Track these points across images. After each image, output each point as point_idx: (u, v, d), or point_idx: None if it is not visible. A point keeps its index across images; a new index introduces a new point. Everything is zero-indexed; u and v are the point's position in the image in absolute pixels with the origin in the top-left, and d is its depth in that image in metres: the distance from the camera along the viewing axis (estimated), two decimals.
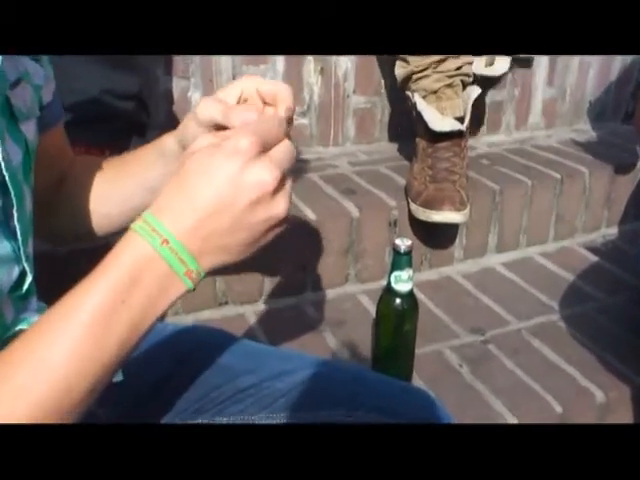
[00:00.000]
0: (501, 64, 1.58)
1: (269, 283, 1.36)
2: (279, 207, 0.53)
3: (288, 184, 0.54)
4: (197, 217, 0.50)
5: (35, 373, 0.47)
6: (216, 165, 0.51)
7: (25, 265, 0.60)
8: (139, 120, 1.41)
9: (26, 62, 0.62)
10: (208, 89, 1.62)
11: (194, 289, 0.52)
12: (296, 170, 1.59)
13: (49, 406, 0.47)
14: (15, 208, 0.57)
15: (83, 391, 0.48)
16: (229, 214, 0.51)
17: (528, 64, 1.88)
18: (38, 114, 0.65)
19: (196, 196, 0.51)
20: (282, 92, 0.62)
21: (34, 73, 0.64)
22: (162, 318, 0.53)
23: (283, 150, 0.54)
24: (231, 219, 0.51)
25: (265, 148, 0.53)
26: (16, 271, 0.59)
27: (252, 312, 1.34)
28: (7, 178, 0.55)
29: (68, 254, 1.13)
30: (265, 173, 0.51)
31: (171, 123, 1.60)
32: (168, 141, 0.70)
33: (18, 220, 0.58)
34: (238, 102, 0.64)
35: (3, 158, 0.55)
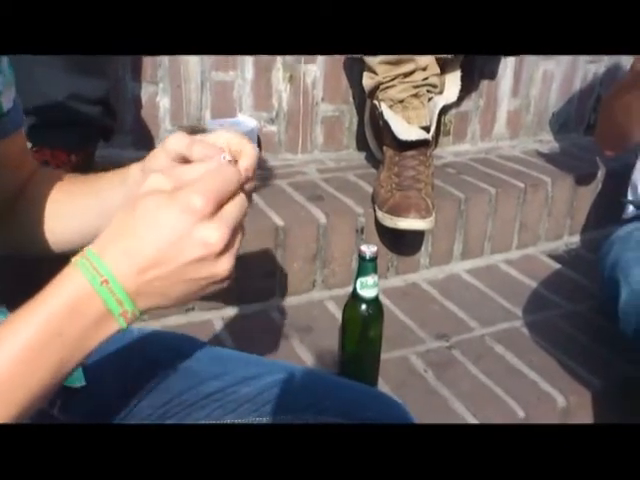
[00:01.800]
0: (451, 92, 1.60)
1: (236, 289, 1.36)
2: (222, 267, 0.53)
3: (237, 240, 0.54)
4: (140, 264, 0.51)
5: None
6: (166, 218, 0.51)
7: None
8: (105, 125, 1.41)
9: None
10: (176, 94, 1.62)
11: (126, 328, 0.53)
12: (264, 176, 1.59)
13: None
14: None
15: (10, 415, 0.49)
16: (172, 267, 0.51)
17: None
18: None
19: (142, 244, 0.51)
20: (247, 150, 0.62)
21: None
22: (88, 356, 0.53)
23: (235, 207, 0.54)
24: (173, 272, 0.51)
25: (219, 203, 0.52)
26: None
27: (219, 318, 1.34)
28: None
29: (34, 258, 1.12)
30: (213, 235, 0.51)
31: (139, 128, 1.60)
32: (132, 169, 0.70)
33: None
34: None
35: None
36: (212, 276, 0.53)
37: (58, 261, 0.55)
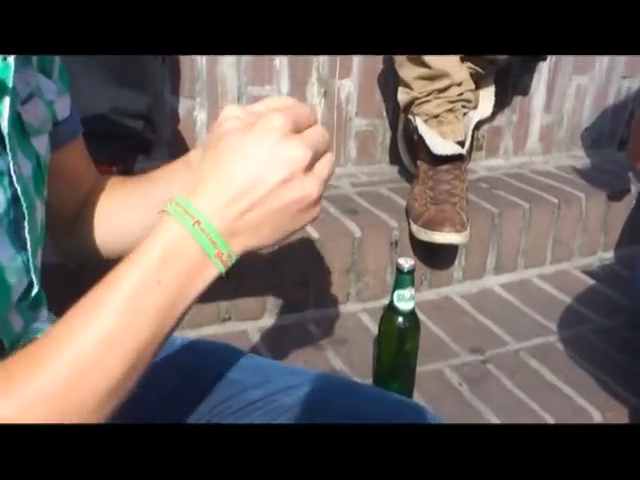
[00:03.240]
0: (485, 107, 1.61)
1: (272, 300, 1.38)
2: (311, 187, 0.52)
3: (322, 167, 0.53)
4: (228, 196, 0.50)
5: (69, 358, 0.48)
6: (248, 144, 0.51)
7: (33, 276, 0.61)
8: (146, 138, 1.44)
9: (38, 78, 0.64)
10: (213, 109, 1.65)
11: (226, 273, 0.52)
12: None
13: (84, 388, 0.48)
14: (26, 220, 0.58)
15: (119, 372, 0.49)
16: (260, 192, 0.51)
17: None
18: (50, 129, 0.66)
19: (228, 175, 0.51)
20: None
21: (46, 89, 0.65)
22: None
23: (316, 132, 0.54)
24: (262, 197, 0.51)
25: (297, 125, 0.52)
26: (24, 282, 0.60)
27: (255, 328, 1.35)
28: (19, 191, 0.57)
29: (79, 266, 1.15)
30: (297, 151, 0.51)
31: (176, 141, 1.63)
32: (192, 153, 0.72)
33: (29, 232, 0.59)
34: None
35: (14, 171, 0.56)
36: (301, 198, 0.52)
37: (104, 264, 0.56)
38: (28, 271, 0.60)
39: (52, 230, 0.70)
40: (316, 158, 0.53)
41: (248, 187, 0.51)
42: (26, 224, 0.59)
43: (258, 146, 0.51)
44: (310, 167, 0.52)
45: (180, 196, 0.51)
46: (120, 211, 0.77)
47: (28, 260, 0.60)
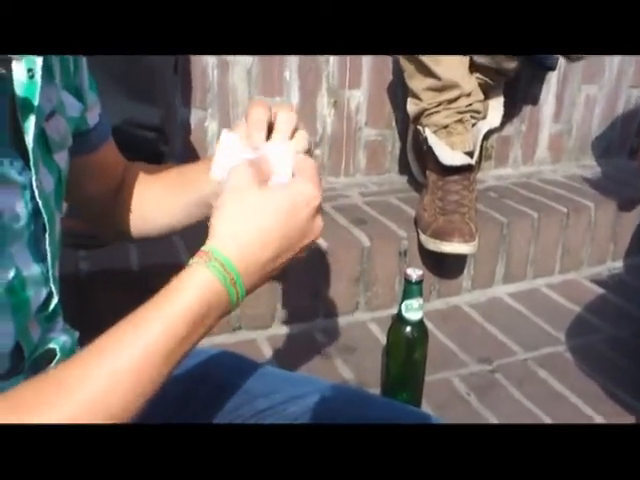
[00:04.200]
0: (494, 117, 1.62)
1: (281, 309, 1.39)
2: (317, 227, 0.61)
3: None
4: (262, 264, 0.57)
5: (93, 395, 0.50)
6: (292, 213, 0.58)
7: (52, 287, 0.63)
8: (158, 149, 1.46)
9: (60, 94, 0.66)
10: (224, 119, 1.67)
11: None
12: None
13: (101, 419, 0.50)
14: (47, 233, 0.61)
15: (133, 409, 0.52)
16: (284, 259, 0.59)
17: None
18: (70, 144, 0.67)
19: (264, 242, 0.57)
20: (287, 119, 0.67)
21: (69, 105, 0.67)
22: None
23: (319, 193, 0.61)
24: (283, 262, 0.59)
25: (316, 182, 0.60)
26: (44, 293, 0.62)
27: (264, 337, 1.37)
28: (40, 205, 0.59)
29: (89, 277, 1.17)
30: (312, 188, 0.59)
31: (188, 152, 1.65)
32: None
33: (49, 244, 0.61)
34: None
35: (37, 186, 0.58)
36: (314, 232, 0.60)
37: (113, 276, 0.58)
38: (47, 282, 0.62)
39: (86, 219, 0.78)
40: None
41: (276, 256, 0.58)
42: (47, 237, 0.61)
43: (299, 220, 0.59)
44: (320, 203, 0.60)
45: (217, 250, 0.55)
46: (162, 201, 0.80)
47: (48, 271, 0.62)
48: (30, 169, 0.57)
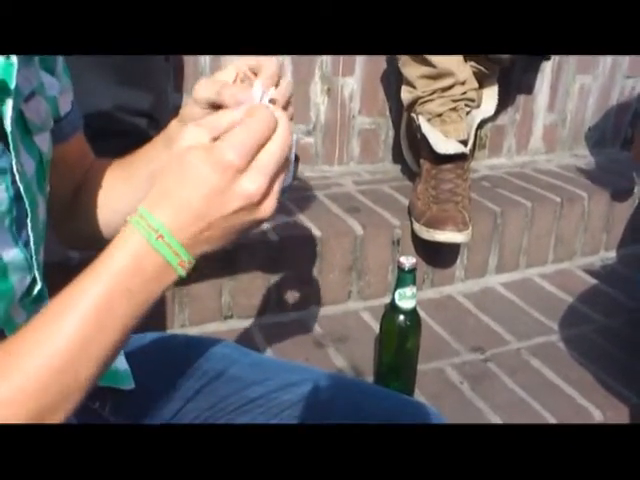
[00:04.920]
0: (488, 106, 1.61)
1: (274, 298, 1.38)
2: (264, 212, 0.55)
3: (276, 185, 0.56)
4: (189, 217, 0.53)
5: (42, 359, 0.50)
6: (205, 174, 0.53)
7: (36, 273, 0.62)
8: (149, 136, 1.44)
9: (40, 74, 0.64)
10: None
11: (187, 277, 0.56)
12: (301, 188, 1.61)
13: (55, 390, 0.50)
14: (29, 218, 0.59)
15: (88, 374, 0.52)
16: (217, 218, 0.54)
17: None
18: (52, 126, 0.66)
19: (188, 198, 0.53)
20: (264, 64, 0.62)
21: (48, 85, 0.66)
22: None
23: (269, 153, 0.55)
24: (218, 220, 0.54)
25: (252, 155, 0.54)
26: (28, 279, 0.61)
27: (257, 326, 1.36)
28: (22, 189, 0.57)
29: (79, 264, 1.15)
30: (250, 186, 0.53)
31: None
32: (171, 126, 0.72)
33: (31, 229, 0.60)
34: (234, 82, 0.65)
35: (17, 170, 0.57)
36: (255, 220, 0.56)
37: None
38: (31, 268, 0.61)
39: (53, 217, 0.72)
40: (272, 179, 0.55)
41: (205, 212, 0.54)
42: (29, 222, 0.59)
43: (214, 181, 0.53)
44: (264, 195, 0.55)
45: (145, 209, 0.54)
46: (113, 192, 0.77)
47: (31, 257, 0.61)
48: (10, 153, 0.56)
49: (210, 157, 0.53)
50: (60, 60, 0.70)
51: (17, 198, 0.58)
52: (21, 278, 0.59)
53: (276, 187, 0.56)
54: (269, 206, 0.55)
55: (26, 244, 0.60)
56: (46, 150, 0.64)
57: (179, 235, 0.53)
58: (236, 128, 0.54)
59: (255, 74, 0.63)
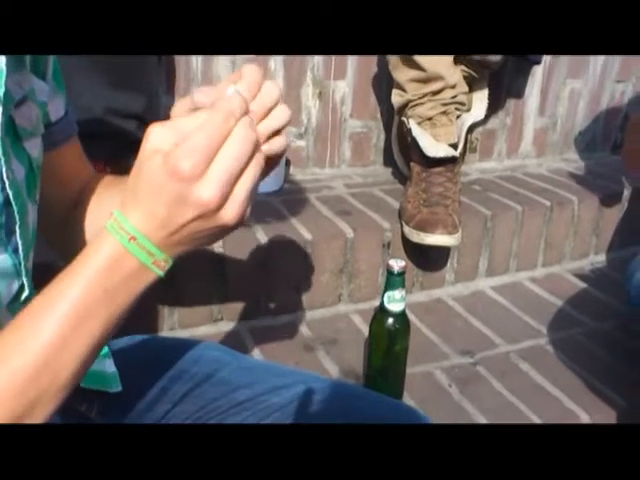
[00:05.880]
0: (478, 110, 1.62)
1: (264, 301, 1.38)
2: (226, 218, 0.54)
3: (237, 189, 0.54)
4: (156, 222, 0.54)
5: (20, 361, 0.51)
6: (163, 185, 0.52)
7: (24, 280, 0.61)
8: (140, 138, 1.44)
9: (31, 79, 0.64)
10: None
11: (164, 275, 0.56)
12: (292, 191, 1.62)
13: (33, 391, 0.51)
14: (18, 225, 0.59)
15: (67, 374, 0.52)
16: (180, 225, 0.54)
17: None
18: (42, 131, 0.66)
19: (153, 206, 0.53)
20: (245, 71, 0.57)
21: (39, 90, 0.65)
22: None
23: (224, 160, 0.53)
24: (183, 228, 0.54)
25: (207, 161, 0.52)
26: (15, 285, 0.61)
27: (246, 329, 1.36)
28: (11, 196, 0.57)
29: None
30: (203, 194, 0.52)
31: None
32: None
33: (20, 236, 0.60)
34: None
35: (7, 177, 0.56)
36: (219, 226, 0.54)
37: None
38: (19, 274, 0.61)
39: (45, 229, 0.71)
40: (230, 184, 0.53)
41: (168, 219, 0.53)
42: (17, 229, 0.59)
43: (170, 185, 0.52)
44: (221, 202, 0.53)
45: (119, 212, 0.54)
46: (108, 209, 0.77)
47: (20, 264, 0.60)
48: (0, 158, 0.56)
49: (166, 165, 0.52)
50: (51, 65, 0.69)
51: (6, 204, 0.57)
52: (9, 284, 0.59)
53: (237, 192, 0.54)
54: (231, 212, 0.54)
55: (15, 250, 0.60)
56: (36, 155, 0.64)
57: (152, 236, 0.54)
58: (193, 132, 0.53)
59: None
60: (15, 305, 0.61)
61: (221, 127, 0.52)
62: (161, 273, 0.55)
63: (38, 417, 0.51)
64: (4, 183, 0.56)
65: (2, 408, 0.49)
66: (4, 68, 0.55)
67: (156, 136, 0.54)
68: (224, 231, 0.56)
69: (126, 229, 0.53)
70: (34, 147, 0.63)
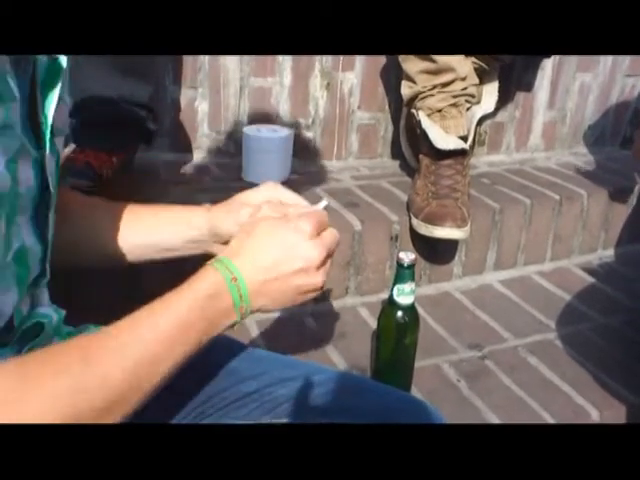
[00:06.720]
0: (488, 103, 1.60)
1: None
2: (317, 279, 0.68)
3: (329, 263, 0.70)
4: (260, 266, 0.65)
5: (118, 363, 0.54)
6: (283, 234, 0.67)
7: (47, 265, 0.64)
8: (148, 129, 1.43)
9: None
10: (215, 100, 1.64)
11: (238, 323, 0.66)
12: (300, 182, 1.61)
13: (122, 397, 0.54)
14: (51, 210, 0.62)
15: (147, 388, 0.57)
16: (283, 271, 0.66)
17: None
18: (67, 132, 0.69)
19: (263, 251, 0.66)
20: (303, 204, 0.80)
21: (67, 100, 0.68)
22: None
23: (331, 236, 0.70)
24: (283, 275, 0.66)
25: (319, 231, 0.68)
26: (38, 269, 0.63)
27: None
28: (50, 181, 0.61)
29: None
30: (315, 251, 0.67)
31: (177, 132, 1.63)
32: (196, 216, 0.82)
33: (51, 222, 0.63)
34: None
35: (48, 161, 0.60)
36: (309, 285, 0.68)
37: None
38: (43, 260, 0.63)
39: None
40: (329, 255, 0.70)
41: (275, 264, 0.66)
42: (50, 215, 0.63)
43: (290, 237, 0.67)
44: (323, 263, 0.68)
45: (225, 257, 0.65)
46: (110, 233, 0.80)
47: (46, 249, 0.63)
48: (42, 147, 0.59)
49: (287, 224, 0.68)
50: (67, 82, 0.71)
51: (41, 190, 0.60)
52: (34, 268, 0.62)
53: (328, 264, 0.70)
54: (322, 275, 0.69)
55: (43, 236, 0.62)
56: (61, 153, 0.67)
57: (249, 282, 0.64)
58: (307, 212, 0.71)
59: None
60: (33, 289, 0.64)
61: (327, 219, 0.72)
62: (239, 318, 0.65)
63: (109, 419, 0.53)
64: (44, 169, 0.60)
65: (97, 397, 0.51)
66: (64, 62, 0.60)
67: (267, 210, 0.73)
68: (307, 292, 0.68)
69: (230, 269, 0.63)
70: (61, 145, 0.67)
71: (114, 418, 0.53)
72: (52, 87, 0.60)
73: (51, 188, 0.61)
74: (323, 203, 0.80)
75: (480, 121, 1.65)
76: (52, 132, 0.62)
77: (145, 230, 0.82)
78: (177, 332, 0.59)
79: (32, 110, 0.59)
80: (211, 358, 0.83)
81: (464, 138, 1.46)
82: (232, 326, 0.65)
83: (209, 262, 0.64)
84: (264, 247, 0.66)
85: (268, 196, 0.80)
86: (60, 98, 0.63)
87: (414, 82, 1.49)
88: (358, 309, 1.44)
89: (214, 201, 0.84)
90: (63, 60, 0.60)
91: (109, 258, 0.82)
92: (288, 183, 1.60)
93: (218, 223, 0.80)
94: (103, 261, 0.83)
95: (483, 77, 1.58)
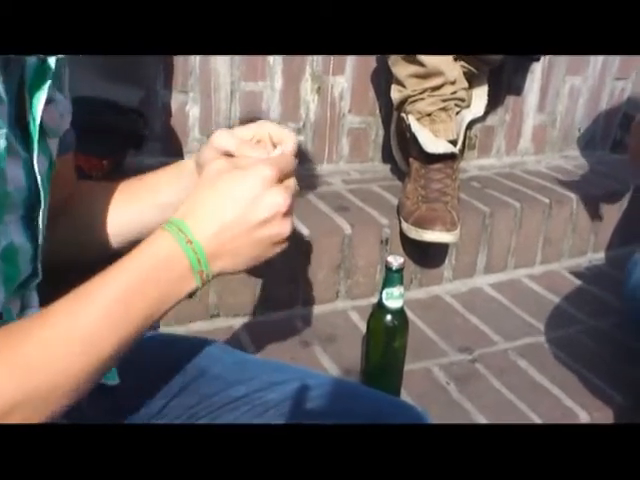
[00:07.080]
0: (478, 106, 1.61)
1: (261, 296, 1.38)
2: (286, 227, 0.62)
3: (292, 209, 0.63)
4: (218, 226, 0.59)
5: (69, 335, 0.52)
6: (241, 186, 0.60)
7: (38, 265, 0.64)
8: (138, 133, 1.43)
9: (54, 90, 0.65)
10: (206, 104, 1.64)
11: (199, 290, 0.60)
12: None
13: (61, 376, 0.52)
14: (42, 209, 0.62)
15: (106, 357, 0.54)
16: (244, 226, 0.60)
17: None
18: (61, 135, 0.68)
19: (220, 208, 0.60)
20: (287, 136, 0.70)
21: (59, 101, 0.67)
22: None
23: (294, 182, 0.65)
24: (245, 231, 0.60)
25: (280, 179, 0.62)
26: (29, 270, 0.63)
27: (243, 325, 1.35)
28: (39, 181, 0.60)
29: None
30: (280, 198, 0.61)
31: (168, 136, 1.63)
32: (186, 163, 0.76)
33: (42, 221, 0.62)
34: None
35: (38, 162, 0.59)
36: (277, 234, 0.62)
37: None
38: (34, 260, 0.63)
39: None
40: (293, 204, 0.63)
41: (235, 221, 0.60)
42: (41, 213, 0.62)
43: (249, 189, 0.60)
44: (288, 211, 0.62)
45: (176, 218, 0.60)
46: (105, 214, 0.78)
47: (37, 249, 0.63)
48: (31, 148, 0.59)
49: (246, 173, 0.61)
50: (67, 79, 0.71)
51: (31, 191, 0.60)
52: (25, 268, 0.61)
53: (292, 212, 0.63)
54: (289, 224, 0.63)
55: (34, 236, 0.62)
56: (54, 155, 0.66)
57: (206, 244, 0.59)
58: (269, 157, 0.66)
59: (274, 143, 0.71)
60: (22, 290, 0.63)
61: (291, 162, 0.66)
62: (200, 284, 0.60)
63: (57, 403, 0.52)
64: (33, 169, 0.59)
65: (28, 380, 0.50)
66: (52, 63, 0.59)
67: (222, 162, 0.64)
68: (276, 243, 0.63)
69: (185, 232, 0.58)
70: (54, 147, 0.66)
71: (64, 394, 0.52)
72: (40, 88, 0.59)
73: (41, 189, 0.60)
74: (285, 146, 0.70)
75: (470, 125, 1.65)
76: (43, 133, 0.61)
77: (145, 189, 0.79)
78: (119, 305, 0.55)
79: (20, 111, 0.59)
80: (199, 364, 0.83)
81: (454, 142, 1.46)
82: (193, 293, 0.60)
83: (161, 226, 0.59)
84: (221, 204, 0.60)
85: (255, 131, 0.72)
86: (51, 99, 0.62)
87: (404, 86, 1.50)
88: (348, 313, 1.44)
89: None
90: (52, 61, 0.59)
91: (110, 241, 0.79)
92: None
93: (202, 157, 0.72)
94: (104, 247, 0.80)
95: (472, 81, 1.58)
